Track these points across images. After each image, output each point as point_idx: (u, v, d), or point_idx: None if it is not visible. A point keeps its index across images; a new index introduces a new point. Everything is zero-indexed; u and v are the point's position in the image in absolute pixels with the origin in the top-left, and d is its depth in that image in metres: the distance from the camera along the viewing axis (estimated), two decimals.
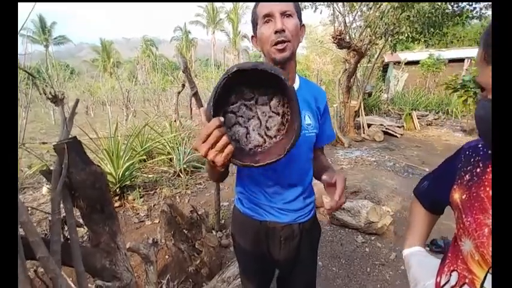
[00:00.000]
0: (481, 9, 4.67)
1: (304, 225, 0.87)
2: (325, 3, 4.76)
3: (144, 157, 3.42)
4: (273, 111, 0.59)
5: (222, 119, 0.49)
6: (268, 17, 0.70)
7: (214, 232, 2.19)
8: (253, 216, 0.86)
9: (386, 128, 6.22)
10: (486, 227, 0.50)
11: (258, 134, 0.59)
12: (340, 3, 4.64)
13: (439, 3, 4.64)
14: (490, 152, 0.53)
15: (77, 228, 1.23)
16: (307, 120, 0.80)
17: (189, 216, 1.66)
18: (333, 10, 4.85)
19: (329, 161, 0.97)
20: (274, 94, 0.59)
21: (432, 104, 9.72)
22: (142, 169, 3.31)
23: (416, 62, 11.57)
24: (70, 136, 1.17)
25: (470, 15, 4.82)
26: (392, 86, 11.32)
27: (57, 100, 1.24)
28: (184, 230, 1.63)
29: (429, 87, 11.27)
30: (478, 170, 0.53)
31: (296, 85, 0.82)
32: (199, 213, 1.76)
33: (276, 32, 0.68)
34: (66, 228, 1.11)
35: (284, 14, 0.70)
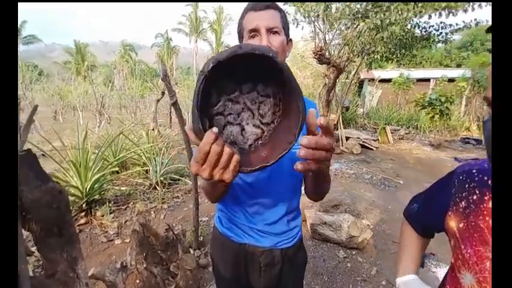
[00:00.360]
0: (446, 34, 5.11)
1: (287, 251, 0.80)
2: (307, 20, 4.93)
3: (117, 168, 3.18)
4: (261, 95, 0.51)
5: (215, 129, 0.41)
6: (254, 32, 0.67)
7: (192, 251, 2.04)
8: (232, 237, 0.79)
9: (363, 141, 6.46)
10: (488, 260, 0.47)
11: (253, 125, 0.52)
12: (321, 21, 4.84)
13: (408, 27, 5.03)
14: (486, 178, 0.52)
15: (28, 257, 1.06)
16: None
17: (164, 236, 1.52)
18: (314, 27, 5.05)
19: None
20: (260, 77, 0.50)
21: (403, 120, 10.36)
22: (115, 181, 3.07)
23: (388, 80, 12.41)
24: (24, 148, 1.03)
25: (437, 39, 5.26)
26: (367, 101, 11.96)
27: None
28: (158, 251, 1.48)
29: (400, 104, 12.06)
30: (475, 197, 0.52)
31: None
32: (176, 232, 1.62)
33: None
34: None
35: (270, 31, 0.67)
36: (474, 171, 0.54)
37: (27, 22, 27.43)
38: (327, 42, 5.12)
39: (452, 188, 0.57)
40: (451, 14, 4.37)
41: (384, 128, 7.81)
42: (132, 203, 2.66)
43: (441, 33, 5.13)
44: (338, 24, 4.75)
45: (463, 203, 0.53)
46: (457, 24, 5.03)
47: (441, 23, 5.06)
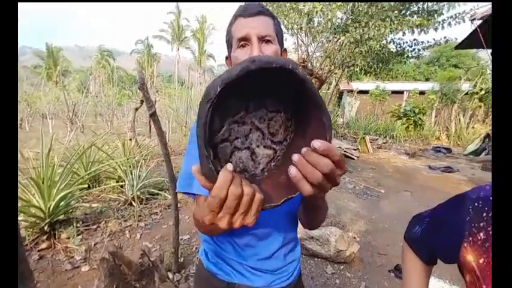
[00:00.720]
0: (419, 50, 5.45)
1: None
2: (290, 32, 5.02)
3: (87, 184, 2.89)
4: (271, 111, 0.44)
5: (230, 167, 0.32)
6: (244, 40, 0.60)
7: (171, 274, 1.86)
8: (219, 274, 0.68)
9: (344, 151, 6.60)
10: None
11: (264, 146, 0.44)
12: (303, 34, 4.95)
13: (384, 42, 5.30)
14: None
15: None
16: None
17: (138, 263, 1.35)
18: (297, 39, 5.15)
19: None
20: (269, 91, 0.42)
21: (380, 129, 10.82)
22: (85, 197, 2.79)
23: (366, 92, 13.02)
24: None
25: (410, 55, 5.59)
26: (347, 112, 12.40)
27: None
28: (131, 282, 1.31)
29: (377, 114, 12.64)
30: None
31: None
32: (153, 256, 1.46)
33: None
34: None
35: (263, 40, 0.60)
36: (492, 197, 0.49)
37: None
38: (310, 54, 5.23)
39: (466, 215, 0.51)
40: (422, 32, 4.68)
41: (364, 137, 8.07)
42: (104, 222, 2.41)
43: (414, 49, 5.46)
44: (320, 37, 4.88)
45: (481, 234, 0.48)
46: (428, 41, 5.39)
47: (414, 39, 5.41)
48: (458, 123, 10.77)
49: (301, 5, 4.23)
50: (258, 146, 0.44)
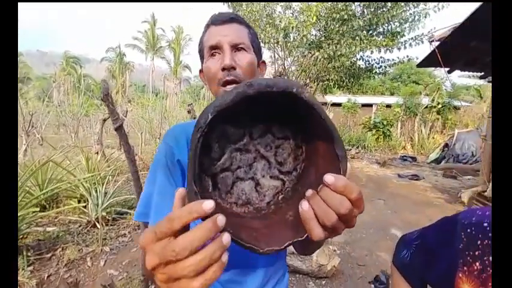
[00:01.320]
0: (385, 67, 5.89)
1: None
2: (267, 45, 5.13)
3: (43, 205, 2.55)
4: (278, 137, 0.39)
5: (210, 204, 0.25)
6: (216, 49, 0.55)
7: None
8: None
9: None
10: None
11: (271, 177, 0.39)
12: (279, 48, 5.09)
13: (355, 59, 5.65)
14: None
15: None
16: None
17: None
18: (274, 53, 5.28)
19: None
20: (275, 115, 0.37)
21: (353, 140, 11.35)
22: (39, 221, 2.45)
23: (338, 104, 13.70)
24: None
25: (378, 71, 6.02)
26: None
27: None
28: None
29: (350, 126, 13.29)
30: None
31: None
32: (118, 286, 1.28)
33: (223, 69, 0.53)
34: None
35: (236, 47, 0.55)
36: (485, 224, 0.46)
37: None
38: (286, 67, 5.38)
39: (458, 243, 0.49)
40: (388, 51, 5.08)
41: None
42: (60, 249, 2.11)
43: (381, 66, 5.89)
44: (296, 52, 5.05)
45: (477, 264, 0.46)
46: (392, 59, 5.85)
47: (381, 57, 5.84)
48: (421, 133, 11.70)
49: (277, 20, 4.36)
50: (263, 176, 0.39)
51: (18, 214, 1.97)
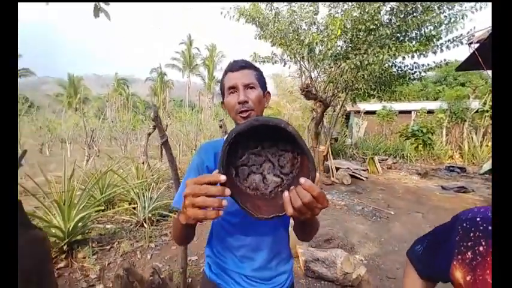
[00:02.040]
0: (420, 72, 5.61)
1: None
2: (293, 60, 5.34)
3: (102, 207, 3.06)
4: (281, 150, 0.60)
5: (223, 178, 0.49)
6: (233, 89, 0.77)
7: None
8: (221, 285, 0.79)
9: (353, 172, 6.57)
10: None
11: (274, 175, 0.59)
12: (306, 61, 5.25)
13: (386, 66, 5.51)
14: (490, 228, 0.50)
15: None
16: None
17: (149, 280, 1.45)
18: (300, 66, 5.45)
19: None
20: (279, 137, 0.59)
21: (390, 149, 10.71)
22: (100, 219, 2.93)
23: (373, 112, 13.10)
24: None
25: (412, 77, 5.75)
26: (354, 132, 12.42)
27: None
28: None
29: (386, 134, 12.58)
30: (481, 248, 0.49)
31: None
32: (163, 275, 1.55)
33: (239, 103, 0.75)
34: None
35: (247, 86, 0.76)
36: (478, 219, 0.51)
37: (21, 56, 28.05)
38: (313, 79, 5.49)
39: (456, 235, 0.54)
40: (422, 56, 4.88)
41: (372, 158, 8.02)
42: (117, 242, 2.53)
43: (415, 72, 5.63)
44: (322, 64, 5.15)
45: (469, 253, 0.51)
46: (428, 64, 5.57)
47: (414, 63, 5.60)
48: (471, 141, 10.54)
49: (302, 35, 4.56)
50: (268, 173, 0.59)
51: (86, 213, 2.43)
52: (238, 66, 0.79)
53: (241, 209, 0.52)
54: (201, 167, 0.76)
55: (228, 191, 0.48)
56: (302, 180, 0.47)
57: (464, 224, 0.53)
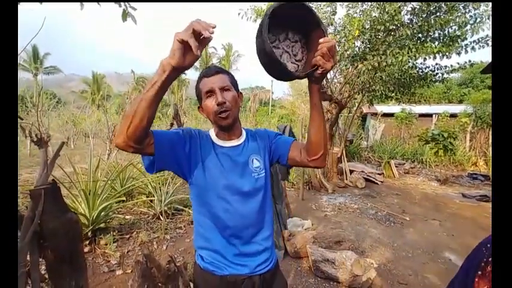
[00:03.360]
0: (442, 74, 5.40)
1: (265, 276, 0.88)
2: None
3: (123, 198, 3.25)
4: (292, 41, 0.76)
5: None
6: (210, 92, 0.84)
7: (192, 284, 2.01)
8: (214, 271, 0.86)
9: (367, 175, 6.44)
10: None
11: (291, 62, 0.77)
12: None
13: (406, 68, 5.34)
14: None
15: (41, 283, 1.11)
16: (256, 163, 0.90)
17: (166, 268, 1.54)
18: None
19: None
20: (288, 30, 0.76)
21: (408, 154, 10.34)
22: (120, 210, 3.12)
23: (391, 115, 12.68)
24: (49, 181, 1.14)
25: (433, 79, 5.54)
26: (371, 135, 12.11)
27: (41, 143, 1.24)
28: (159, 284, 1.50)
29: (404, 138, 12.15)
30: None
31: (243, 138, 0.93)
32: (178, 264, 1.64)
33: (218, 104, 0.83)
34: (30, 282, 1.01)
35: (223, 89, 0.84)
36: None
37: (50, 55, 29.82)
38: (329, 80, 5.44)
39: (483, 257, 0.56)
40: (445, 57, 4.69)
41: (389, 161, 7.81)
42: (135, 232, 2.68)
43: (437, 73, 5.42)
44: (338, 65, 5.09)
45: (489, 267, 0.53)
46: (451, 65, 5.34)
47: (436, 64, 5.39)
48: None
49: None
50: (288, 62, 0.77)
51: (108, 203, 2.60)
52: (213, 71, 0.86)
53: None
54: (186, 129, 0.89)
55: (213, 25, 0.61)
56: (321, 39, 0.67)
57: (488, 245, 0.56)
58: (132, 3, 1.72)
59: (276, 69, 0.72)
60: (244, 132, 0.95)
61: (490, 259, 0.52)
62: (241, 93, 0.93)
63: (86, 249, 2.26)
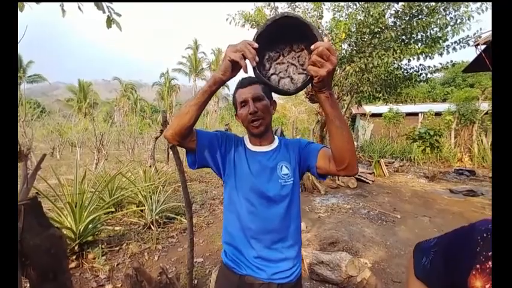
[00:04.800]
0: (426, 74, 5.57)
1: (283, 286, 0.87)
2: None
3: (112, 209, 3.15)
4: (297, 52, 0.75)
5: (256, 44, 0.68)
6: (244, 102, 0.92)
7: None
8: (234, 268, 0.89)
9: (358, 175, 6.52)
10: None
11: (298, 73, 0.74)
12: None
13: (391, 69, 5.49)
14: None
15: None
16: (285, 170, 0.91)
17: (157, 280, 1.49)
18: None
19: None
20: (293, 39, 0.74)
21: (397, 152, 10.57)
22: (109, 221, 3.01)
23: (379, 115, 12.97)
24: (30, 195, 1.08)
25: (418, 79, 5.71)
26: (360, 135, 12.33)
27: (20, 156, 1.18)
28: None
29: (392, 137, 12.43)
30: None
31: (274, 145, 0.96)
32: (170, 275, 1.60)
33: (250, 113, 0.89)
34: None
35: (256, 99, 0.90)
36: None
37: (33, 63, 28.93)
38: None
39: (476, 246, 0.54)
40: (428, 58, 4.85)
41: (379, 161, 7.95)
42: (125, 244, 2.59)
43: (421, 73, 5.60)
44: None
45: (489, 263, 0.51)
46: (434, 66, 5.53)
47: (420, 65, 5.56)
48: (481, 144, 10.32)
49: None
50: (294, 74, 0.75)
51: (96, 214, 2.51)
52: (247, 82, 0.93)
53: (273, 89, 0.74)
54: (223, 133, 0.96)
55: (256, 45, 0.67)
56: (313, 46, 0.64)
57: (485, 235, 0.53)
58: (115, 8, 1.68)
59: (277, 91, 0.75)
60: (277, 140, 1.00)
61: (490, 253, 0.50)
62: (274, 101, 0.99)
63: (72, 265, 2.16)
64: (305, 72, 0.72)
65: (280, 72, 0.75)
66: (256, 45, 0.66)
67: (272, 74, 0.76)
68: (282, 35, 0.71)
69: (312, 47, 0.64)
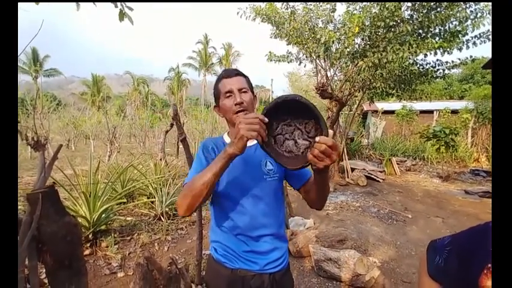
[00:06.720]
0: (443, 70, 5.35)
1: (274, 275, 0.89)
2: (309, 59, 5.29)
3: (124, 200, 3.23)
4: (306, 119, 0.76)
5: (266, 120, 0.70)
6: (229, 93, 0.89)
7: (194, 286, 1.99)
8: (225, 263, 0.89)
9: (369, 173, 6.41)
10: None
11: (303, 139, 0.75)
12: (322, 60, 5.18)
13: (406, 64, 5.31)
14: None
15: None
16: (269, 165, 0.92)
17: (167, 270, 1.53)
18: (316, 64, 5.39)
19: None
20: (301, 110, 0.76)
21: (409, 151, 10.30)
22: (121, 211, 3.10)
23: (391, 112, 12.62)
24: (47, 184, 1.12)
25: (435, 75, 5.50)
26: (372, 133, 12.06)
27: (38, 146, 1.22)
28: (160, 286, 1.48)
29: (405, 135, 12.10)
30: None
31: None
32: (179, 266, 1.63)
33: (236, 104, 0.88)
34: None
35: (241, 91, 0.89)
36: None
37: (49, 57, 29.83)
38: (329, 78, 5.41)
39: (489, 246, 0.52)
40: (446, 52, 4.65)
41: (390, 159, 7.77)
42: (136, 234, 2.67)
43: (438, 69, 5.38)
44: (339, 61, 5.06)
45: None
46: (452, 61, 5.30)
47: (437, 60, 5.34)
48: None
49: (318, 34, 4.50)
50: (299, 139, 0.76)
51: (109, 205, 2.58)
52: (232, 73, 0.92)
53: (278, 163, 0.74)
54: (206, 151, 0.92)
55: (266, 120, 0.69)
56: (317, 138, 0.65)
57: None
58: (128, 3, 1.69)
59: (278, 160, 0.75)
60: None
61: None
62: (255, 96, 0.98)
63: (87, 252, 2.25)
64: (309, 139, 0.74)
65: (286, 133, 0.76)
66: (266, 120, 0.69)
67: (278, 134, 0.77)
68: (291, 106, 0.73)
69: (317, 139, 0.65)
